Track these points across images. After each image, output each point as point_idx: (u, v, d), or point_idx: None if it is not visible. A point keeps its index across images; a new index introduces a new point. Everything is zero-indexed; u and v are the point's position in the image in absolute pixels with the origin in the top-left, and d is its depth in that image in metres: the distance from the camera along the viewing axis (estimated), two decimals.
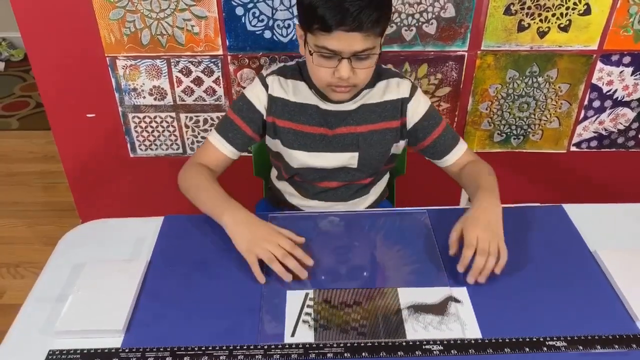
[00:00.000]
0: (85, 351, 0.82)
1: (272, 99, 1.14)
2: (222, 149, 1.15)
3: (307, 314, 0.88)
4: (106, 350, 0.82)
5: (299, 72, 1.14)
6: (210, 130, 1.79)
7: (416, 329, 0.85)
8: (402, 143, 1.21)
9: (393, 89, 1.14)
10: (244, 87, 1.70)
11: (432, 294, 0.91)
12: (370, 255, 1.03)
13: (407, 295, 0.91)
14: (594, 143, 1.83)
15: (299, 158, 1.16)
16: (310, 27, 0.98)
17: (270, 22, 1.58)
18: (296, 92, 1.14)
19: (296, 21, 1.57)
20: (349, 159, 1.17)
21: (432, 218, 1.09)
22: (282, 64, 1.17)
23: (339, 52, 0.98)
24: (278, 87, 1.14)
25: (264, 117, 1.16)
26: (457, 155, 1.17)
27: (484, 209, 0.99)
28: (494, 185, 1.06)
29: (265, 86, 1.14)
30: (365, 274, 0.97)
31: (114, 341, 0.83)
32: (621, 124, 1.79)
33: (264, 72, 1.16)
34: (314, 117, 1.14)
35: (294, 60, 1.18)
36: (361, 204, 1.28)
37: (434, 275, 0.96)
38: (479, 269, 0.91)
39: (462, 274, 0.94)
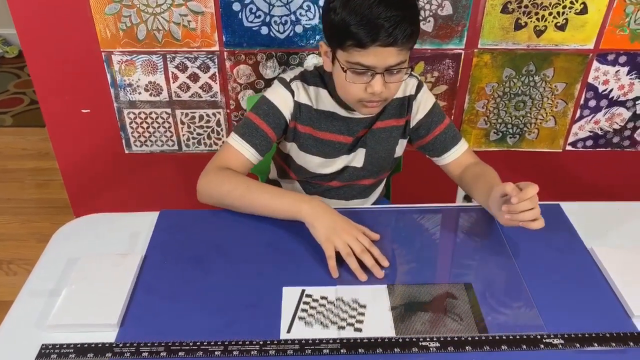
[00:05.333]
0: (78, 345, 0.80)
1: (298, 105, 1.12)
2: (246, 154, 1.11)
3: (303, 310, 0.87)
4: (100, 345, 0.81)
5: (321, 79, 1.13)
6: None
7: (413, 326, 0.85)
8: (404, 142, 1.21)
9: (400, 87, 1.13)
10: (240, 84, 1.70)
11: (430, 291, 0.91)
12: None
13: (405, 292, 0.91)
14: (589, 142, 1.83)
15: (314, 162, 1.17)
16: (342, 44, 0.97)
17: (267, 18, 1.58)
18: (318, 99, 1.13)
19: (293, 17, 1.58)
20: (354, 155, 1.17)
21: (432, 216, 1.09)
22: (301, 69, 1.16)
23: (373, 68, 0.97)
24: (304, 94, 1.12)
25: (288, 122, 1.14)
26: (457, 154, 1.18)
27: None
28: None
29: (291, 92, 1.12)
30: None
31: (108, 335, 0.82)
32: (617, 123, 1.79)
33: (286, 77, 1.13)
34: (335, 125, 1.14)
35: (312, 65, 1.16)
36: (361, 205, 1.27)
37: (435, 272, 0.95)
38: (524, 212, 0.93)
39: (462, 271, 0.95)
